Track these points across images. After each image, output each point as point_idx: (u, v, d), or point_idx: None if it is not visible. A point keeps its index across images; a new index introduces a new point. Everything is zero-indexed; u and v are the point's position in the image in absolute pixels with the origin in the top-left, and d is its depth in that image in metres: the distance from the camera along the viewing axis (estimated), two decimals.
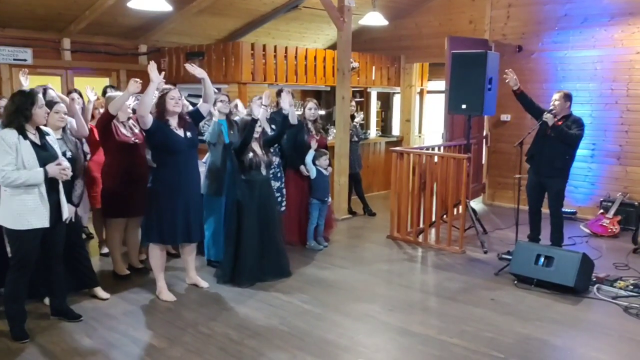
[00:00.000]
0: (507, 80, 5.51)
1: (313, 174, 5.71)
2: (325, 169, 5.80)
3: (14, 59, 6.92)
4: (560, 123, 5.30)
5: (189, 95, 5.72)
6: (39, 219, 3.54)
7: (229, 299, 4.44)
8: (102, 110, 4.83)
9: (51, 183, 3.60)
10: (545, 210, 5.64)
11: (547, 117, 5.27)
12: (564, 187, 5.50)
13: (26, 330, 3.71)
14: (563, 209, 5.74)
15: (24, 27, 7.05)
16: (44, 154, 3.59)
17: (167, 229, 4.28)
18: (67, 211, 3.80)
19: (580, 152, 5.55)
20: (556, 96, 5.39)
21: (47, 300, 4.12)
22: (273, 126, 5.48)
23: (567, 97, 5.37)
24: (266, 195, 4.88)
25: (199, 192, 4.54)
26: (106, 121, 4.45)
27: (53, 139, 3.75)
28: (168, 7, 5.56)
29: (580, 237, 6.43)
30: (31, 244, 3.60)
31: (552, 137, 5.30)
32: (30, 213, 3.51)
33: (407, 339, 3.82)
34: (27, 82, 4.88)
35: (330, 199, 5.97)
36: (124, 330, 3.87)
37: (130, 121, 4.68)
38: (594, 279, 4.78)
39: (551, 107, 5.36)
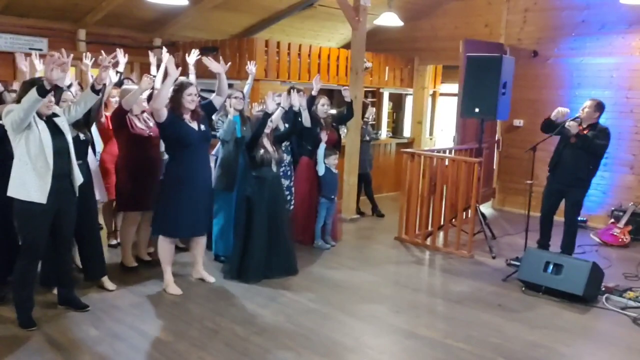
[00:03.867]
0: (554, 116, 5.22)
1: (322, 170, 5.71)
2: (335, 166, 5.81)
3: (30, 48, 6.95)
4: (586, 132, 5.18)
5: (202, 90, 5.74)
6: (38, 193, 3.51)
7: (236, 295, 4.44)
8: (116, 99, 4.83)
9: (60, 163, 3.60)
10: (557, 218, 5.59)
11: (571, 125, 5.13)
12: (584, 197, 5.41)
13: (33, 318, 3.72)
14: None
15: (41, 17, 7.10)
16: (58, 135, 3.63)
17: (173, 222, 4.29)
18: (80, 178, 3.81)
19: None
20: (588, 103, 5.23)
21: (54, 289, 4.14)
22: (287, 124, 5.48)
23: (598, 107, 5.20)
24: (276, 192, 4.88)
25: (209, 186, 4.54)
26: (120, 115, 4.47)
27: (63, 120, 3.74)
28: (184, 1, 5.58)
29: (590, 245, 6.37)
30: (38, 225, 3.59)
31: (576, 146, 5.17)
32: (31, 185, 3.50)
33: (413, 341, 3.80)
34: (41, 65, 4.81)
35: (336, 199, 5.95)
36: (131, 322, 3.89)
37: (145, 114, 4.69)
38: (603, 289, 4.73)
39: (578, 114, 5.24)
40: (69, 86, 4.49)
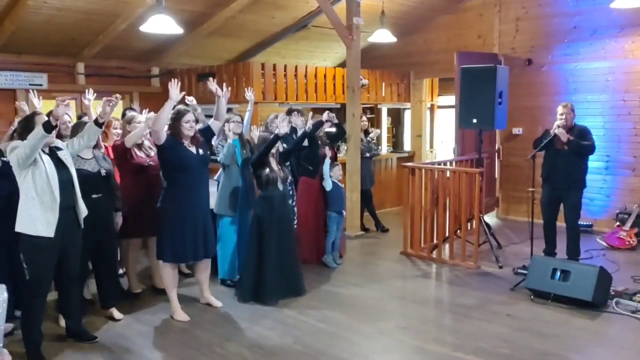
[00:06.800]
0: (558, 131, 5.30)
1: (329, 185, 5.75)
2: (339, 180, 5.89)
3: (30, 84, 7.06)
4: (569, 136, 5.29)
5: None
6: (45, 226, 3.54)
7: (243, 319, 4.43)
8: (117, 131, 4.91)
9: (65, 196, 3.63)
10: (560, 223, 5.58)
11: (561, 132, 5.26)
12: (581, 198, 5.47)
13: (42, 353, 3.72)
14: (579, 222, 5.67)
15: (39, 53, 7.20)
16: (62, 168, 3.68)
17: (177, 247, 4.30)
18: (84, 210, 3.84)
19: (595, 163, 5.53)
20: (566, 109, 5.37)
21: (62, 322, 4.14)
22: (285, 145, 5.52)
23: (573, 109, 5.43)
24: (283, 210, 4.90)
25: (208, 209, 4.57)
26: (122, 150, 4.58)
27: (66, 153, 3.79)
28: (179, 30, 5.65)
29: (597, 250, 6.34)
30: (45, 259, 3.60)
31: (565, 151, 5.30)
32: (38, 219, 3.53)
33: (423, 356, 3.77)
34: (40, 103, 4.90)
35: (344, 213, 5.99)
36: (139, 351, 3.88)
37: (147, 142, 4.75)
38: (612, 293, 4.69)
39: (561, 121, 5.32)
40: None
